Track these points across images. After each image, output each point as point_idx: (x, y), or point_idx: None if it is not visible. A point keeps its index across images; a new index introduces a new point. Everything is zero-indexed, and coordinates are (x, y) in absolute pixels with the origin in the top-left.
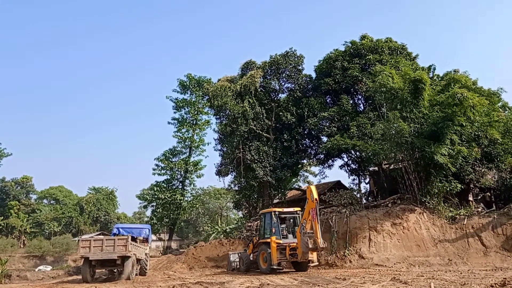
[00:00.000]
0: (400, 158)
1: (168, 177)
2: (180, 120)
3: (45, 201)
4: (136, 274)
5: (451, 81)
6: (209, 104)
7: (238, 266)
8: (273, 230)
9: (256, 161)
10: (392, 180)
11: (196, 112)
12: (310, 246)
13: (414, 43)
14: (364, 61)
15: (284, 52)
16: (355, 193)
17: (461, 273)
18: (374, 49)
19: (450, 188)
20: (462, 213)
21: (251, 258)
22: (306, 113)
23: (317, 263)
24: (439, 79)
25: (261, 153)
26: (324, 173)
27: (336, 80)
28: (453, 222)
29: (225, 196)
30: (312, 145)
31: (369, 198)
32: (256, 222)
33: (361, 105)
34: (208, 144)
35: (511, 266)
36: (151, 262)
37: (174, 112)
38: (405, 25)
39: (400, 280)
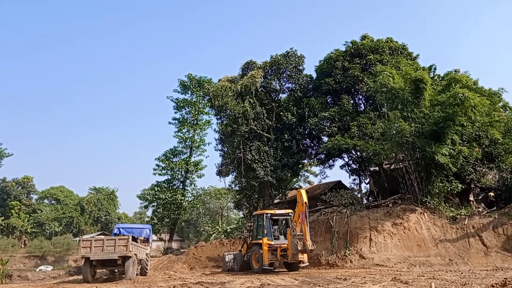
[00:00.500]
0: (401, 158)
1: (169, 177)
2: (180, 120)
3: (46, 201)
4: (136, 274)
5: (452, 81)
6: (209, 104)
7: (232, 266)
8: (265, 232)
9: (257, 161)
10: (393, 180)
11: (196, 112)
12: (299, 248)
13: (415, 43)
14: (364, 61)
15: (285, 52)
16: (355, 193)
17: (461, 273)
18: (374, 49)
19: (451, 188)
20: (463, 213)
21: (245, 259)
22: (306, 113)
23: (308, 264)
24: (440, 79)
25: (261, 153)
26: (324, 173)
27: (337, 80)
28: (454, 222)
29: (225, 196)
30: (312, 145)
31: (370, 198)
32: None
33: (362, 105)
34: (208, 144)
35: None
36: (151, 262)
37: (175, 112)
38: (405, 25)
39: (401, 280)
